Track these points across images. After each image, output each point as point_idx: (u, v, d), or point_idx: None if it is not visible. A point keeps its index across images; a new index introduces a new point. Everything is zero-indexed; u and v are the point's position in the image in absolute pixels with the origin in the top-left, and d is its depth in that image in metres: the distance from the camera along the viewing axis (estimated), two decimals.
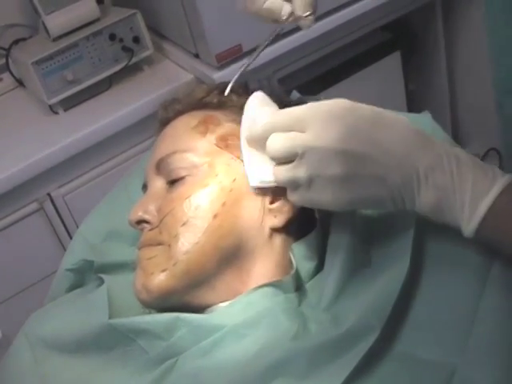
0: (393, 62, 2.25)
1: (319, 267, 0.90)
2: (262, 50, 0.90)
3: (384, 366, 0.74)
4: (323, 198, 0.77)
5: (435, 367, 0.73)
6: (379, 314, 0.75)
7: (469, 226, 0.73)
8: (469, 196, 0.72)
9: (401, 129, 0.75)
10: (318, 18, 1.74)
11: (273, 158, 0.81)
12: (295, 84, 1.94)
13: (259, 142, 0.83)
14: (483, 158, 2.28)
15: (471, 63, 2.30)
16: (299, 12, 0.85)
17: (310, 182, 0.76)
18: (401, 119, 0.77)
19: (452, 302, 0.78)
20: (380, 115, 0.77)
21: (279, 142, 0.78)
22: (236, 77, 0.90)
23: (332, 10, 1.81)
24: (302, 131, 0.76)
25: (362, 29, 1.99)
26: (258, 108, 0.89)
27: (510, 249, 0.75)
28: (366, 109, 0.78)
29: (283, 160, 0.79)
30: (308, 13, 0.85)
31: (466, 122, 2.48)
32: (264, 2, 0.85)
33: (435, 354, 0.74)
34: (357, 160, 0.74)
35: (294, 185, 0.79)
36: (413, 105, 2.43)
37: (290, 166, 0.78)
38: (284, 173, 0.79)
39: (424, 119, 1.01)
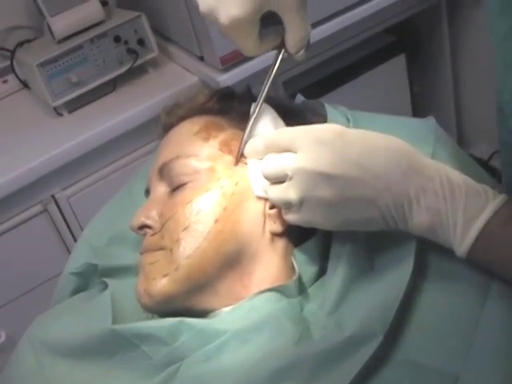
0: (397, 65, 2.25)
1: (321, 272, 0.90)
2: (272, 74, 0.90)
3: (387, 372, 0.74)
4: (315, 219, 0.80)
5: (438, 374, 0.73)
6: (382, 320, 0.75)
7: (461, 248, 0.74)
8: (461, 218, 0.73)
9: (390, 152, 0.76)
10: (323, 21, 1.76)
11: (266, 178, 0.84)
12: (299, 87, 1.94)
13: (261, 157, 0.85)
14: (488, 161, 2.27)
15: (476, 65, 2.29)
16: (292, 51, 0.87)
17: (300, 203, 0.79)
18: (391, 142, 0.78)
19: (454, 311, 0.78)
20: (369, 139, 0.78)
21: (271, 163, 0.82)
22: (257, 109, 0.90)
23: (336, 13, 1.82)
24: (296, 152, 0.79)
25: (367, 31, 2.00)
26: (264, 123, 0.90)
27: (502, 271, 0.76)
28: (355, 133, 0.79)
29: (275, 180, 0.82)
30: (301, 52, 0.87)
31: (471, 124, 2.48)
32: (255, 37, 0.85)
33: (438, 361, 0.74)
34: (345, 183, 0.75)
35: (287, 205, 0.81)
36: (418, 107, 2.43)
37: (282, 186, 0.80)
38: (276, 193, 0.81)
39: (428, 124, 1.01)
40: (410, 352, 0.75)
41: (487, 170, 0.98)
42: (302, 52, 0.87)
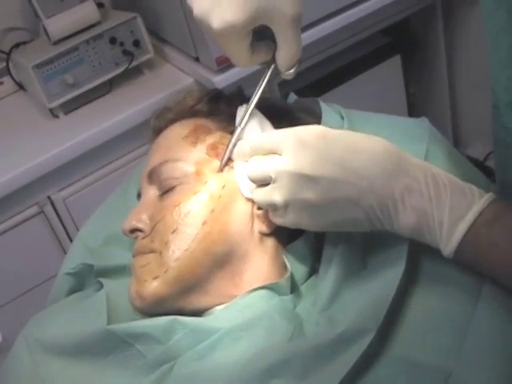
0: (393, 66, 2.25)
1: (312, 271, 0.91)
2: (260, 89, 0.89)
3: (380, 369, 0.74)
4: (301, 220, 0.80)
5: (430, 371, 0.73)
6: (374, 317, 0.75)
7: (447, 248, 0.74)
8: (446, 218, 0.73)
9: (374, 152, 0.77)
10: (319, 22, 1.76)
11: (251, 181, 0.84)
12: (295, 88, 1.93)
13: (248, 159, 0.86)
14: (483, 161, 2.28)
15: (472, 66, 2.30)
16: (282, 69, 0.87)
17: (286, 205, 0.79)
18: (376, 143, 0.78)
19: (446, 310, 0.78)
20: (353, 140, 0.79)
21: (255, 166, 0.82)
22: (245, 120, 0.90)
23: (332, 14, 1.81)
24: (280, 155, 0.79)
25: (363, 32, 2.00)
26: (251, 126, 0.90)
27: (489, 270, 0.76)
28: (338, 134, 0.80)
29: (260, 183, 0.83)
30: (291, 71, 0.87)
31: (467, 125, 2.48)
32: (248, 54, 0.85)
33: (430, 358, 0.74)
34: (328, 184, 0.76)
35: (272, 207, 0.82)
36: (413, 108, 2.43)
37: (267, 189, 0.81)
38: (262, 196, 0.82)
39: (422, 124, 1.01)
40: (403, 349, 0.75)
41: (483, 170, 0.99)
42: (292, 70, 0.87)
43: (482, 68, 0.87)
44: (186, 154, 0.92)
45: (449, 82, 2.38)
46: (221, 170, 0.90)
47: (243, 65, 0.87)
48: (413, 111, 2.41)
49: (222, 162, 0.90)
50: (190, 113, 0.98)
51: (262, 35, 0.84)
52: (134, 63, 1.83)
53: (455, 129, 2.50)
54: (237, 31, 0.81)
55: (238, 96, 1.00)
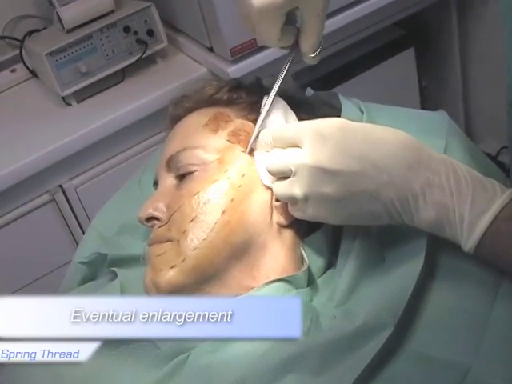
0: (407, 59, 2.24)
1: (329, 265, 0.90)
2: (283, 75, 0.90)
3: (397, 364, 0.74)
4: (320, 214, 0.80)
5: (448, 367, 0.73)
6: (393, 311, 0.74)
7: (468, 243, 0.73)
8: (468, 213, 0.72)
9: (394, 145, 0.76)
10: (332, 14, 1.75)
11: (270, 174, 0.84)
12: (309, 79, 1.93)
13: (269, 149, 0.86)
14: (496, 156, 2.27)
15: (485, 60, 2.29)
16: (307, 52, 0.87)
17: (305, 198, 0.79)
18: (396, 135, 0.77)
19: (464, 306, 0.77)
20: (373, 132, 0.78)
21: (275, 158, 0.82)
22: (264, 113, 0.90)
23: (346, 6, 1.81)
24: (301, 148, 0.79)
25: (376, 25, 1.99)
26: (276, 115, 0.90)
27: (509, 266, 0.75)
28: (358, 126, 0.79)
29: (279, 176, 0.83)
30: (315, 54, 0.88)
31: (480, 119, 2.47)
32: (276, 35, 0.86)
33: (449, 353, 0.74)
34: (347, 178, 0.75)
35: (292, 200, 0.81)
36: (426, 101, 2.42)
37: (287, 182, 0.81)
38: (282, 189, 0.82)
39: (440, 117, 1.00)
40: (420, 344, 0.75)
41: (496, 165, 0.98)
42: (315, 54, 0.88)
43: (496, 62, 0.86)
44: (206, 141, 0.91)
45: (462, 75, 2.38)
46: (249, 152, 0.89)
47: (272, 44, 0.87)
48: (425, 105, 2.40)
49: (248, 145, 0.89)
50: (210, 101, 0.97)
51: (286, 20, 0.85)
52: (148, 52, 1.83)
53: (468, 123, 2.49)
54: (275, 10, 0.81)
55: (258, 86, 0.99)
